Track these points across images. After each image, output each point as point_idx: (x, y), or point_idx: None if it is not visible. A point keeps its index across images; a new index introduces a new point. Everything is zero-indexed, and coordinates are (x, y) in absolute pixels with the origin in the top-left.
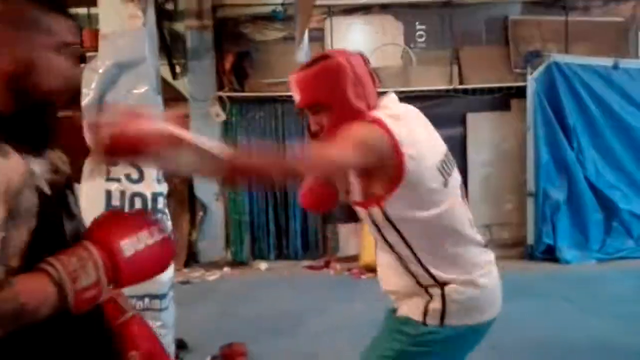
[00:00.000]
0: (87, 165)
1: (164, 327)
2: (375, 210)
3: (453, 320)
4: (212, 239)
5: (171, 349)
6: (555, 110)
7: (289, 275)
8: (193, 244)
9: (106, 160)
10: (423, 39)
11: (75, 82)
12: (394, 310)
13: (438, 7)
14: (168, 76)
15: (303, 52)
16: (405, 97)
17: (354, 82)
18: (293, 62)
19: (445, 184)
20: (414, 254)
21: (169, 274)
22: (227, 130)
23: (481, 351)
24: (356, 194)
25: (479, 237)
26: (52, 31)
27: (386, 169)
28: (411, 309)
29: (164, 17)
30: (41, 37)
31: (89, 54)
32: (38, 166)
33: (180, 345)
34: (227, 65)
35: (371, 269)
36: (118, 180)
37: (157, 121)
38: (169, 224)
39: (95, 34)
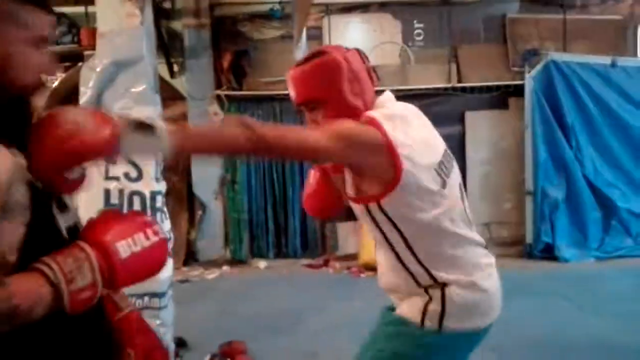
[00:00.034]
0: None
1: (163, 325)
2: (375, 209)
3: (452, 322)
4: (211, 238)
5: (171, 347)
6: (553, 109)
7: (288, 273)
8: (192, 243)
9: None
10: (421, 38)
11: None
12: (392, 308)
13: (436, 5)
14: (166, 75)
15: (301, 51)
16: (404, 96)
17: (350, 79)
18: (291, 61)
19: (444, 185)
20: (414, 254)
21: (168, 272)
22: None
23: (479, 350)
24: (350, 190)
25: (479, 238)
26: (29, 25)
27: (380, 169)
28: (410, 309)
29: (161, 15)
30: (18, 31)
31: (86, 53)
32: (25, 160)
33: (180, 343)
34: (225, 63)
35: (370, 268)
36: (117, 178)
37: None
38: (168, 222)
39: (93, 32)
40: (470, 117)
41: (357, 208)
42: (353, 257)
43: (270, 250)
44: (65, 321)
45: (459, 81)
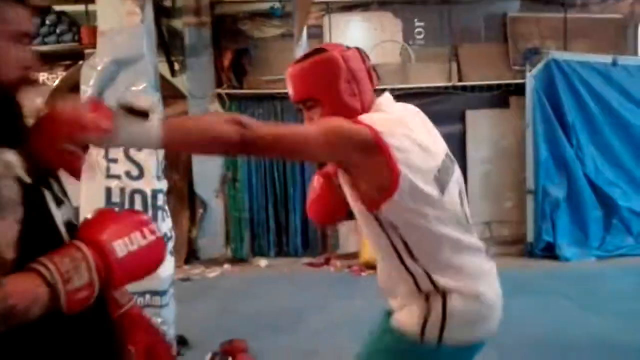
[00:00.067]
0: (86, 164)
1: (165, 323)
2: (376, 215)
3: (452, 334)
4: (212, 236)
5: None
6: (554, 108)
7: (289, 272)
8: (193, 241)
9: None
10: (422, 36)
11: (34, 72)
12: (390, 313)
13: (437, 4)
14: (166, 73)
15: (301, 49)
16: (404, 94)
17: (348, 79)
18: (292, 59)
19: (442, 192)
20: (415, 258)
21: (169, 270)
22: None
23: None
24: (350, 196)
25: (479, 245)
26: (8, 20)
27: (375, 172)
28: (409, 320)
29: (162, 14)
30: None
31: (87, 51)
32: (13, 156)
33: (181, 341)
34: (226, 62)
35: (371, 266)
36: (118, 177)
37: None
38: (169, 220)
39: (93, 30)
40: (471, 115)
41: (360, 214)
42: (354, 255)
43: (271, 248)
44: (68, 319)
45: (460, 80)
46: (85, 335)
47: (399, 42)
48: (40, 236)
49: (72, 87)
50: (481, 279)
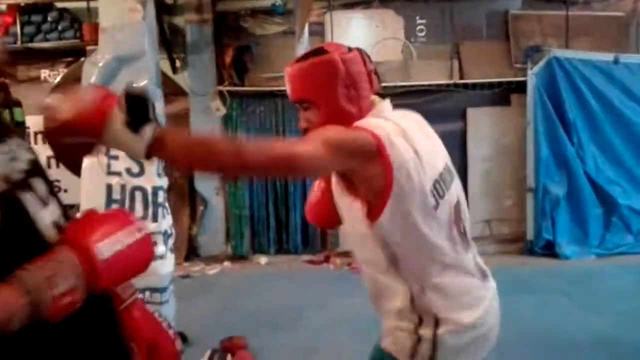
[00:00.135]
0: (86, 160)
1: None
2: (373, 223)
3: None
4: (213, 233)
5: None
6: (555, 106)
7: (288, 269)
8: (193, 238)
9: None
10: (423, 34)
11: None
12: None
13: (438, 1)
14: (168, 70)
15: (303, 47)
16: (406, 92)
17: (346, 84)
18: (293, 57)
19: (436, 207)
20: (406, 275)
21: (169, 267)
22: (228, 125)
23: None
24: (345, 209)
25: (473, 265)
26: None
27: (372, 178)
28: (401, 348)
29: (163, 10)
30: None
31: (89, 48)
32: None
33: (181, 339)
34: (227, 59)
35: None
36: (119, 174)
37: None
38: (170, 217)
39: (95, 27)
40: (472, 113)
41: (354, 231)
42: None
43: (271, 246)
44: (70, 318)
45: (461, 77)
46: (88, 331)
47: (400, 39)
48: (19, 244)
49: (73, 83)
50: (471, 306)
